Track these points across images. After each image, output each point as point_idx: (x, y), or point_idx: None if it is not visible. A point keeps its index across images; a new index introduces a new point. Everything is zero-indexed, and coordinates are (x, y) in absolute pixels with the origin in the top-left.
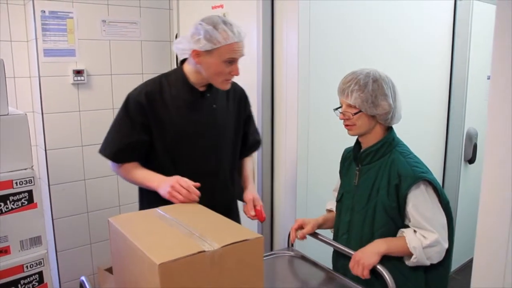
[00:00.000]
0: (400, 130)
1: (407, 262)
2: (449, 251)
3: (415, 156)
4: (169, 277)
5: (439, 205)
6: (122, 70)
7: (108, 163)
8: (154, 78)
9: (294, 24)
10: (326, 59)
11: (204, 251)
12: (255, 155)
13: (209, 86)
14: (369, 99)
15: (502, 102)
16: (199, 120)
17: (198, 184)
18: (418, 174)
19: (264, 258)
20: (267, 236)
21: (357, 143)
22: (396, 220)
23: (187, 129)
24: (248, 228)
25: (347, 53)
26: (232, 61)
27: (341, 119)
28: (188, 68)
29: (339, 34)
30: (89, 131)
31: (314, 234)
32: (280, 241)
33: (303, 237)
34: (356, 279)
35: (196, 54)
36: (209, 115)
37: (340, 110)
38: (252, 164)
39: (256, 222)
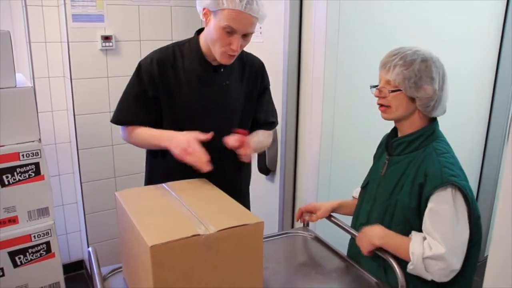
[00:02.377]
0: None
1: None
2: (469, 274)
3: (452, 156)
4: (160, 259)
5: (466, 218)
6: (151, 36)
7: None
8: (166, 46)
9: None
10: (357, 28)
11: (199, 235)
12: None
13: None
14: (412, 78)
15: None
16: (211, 96)
17: (209, 136)
18: (446, 177)
19: (277, 238)
20: (288, 215)
21: (395, 129)
22: (413, 223)
23: (197, 105)
24: (267, 210)
25: (380, 26)
26: (232, 32)
27: (376, 96)
28: (203, 38)
29: (373, 5)
30: (117, 97)
31: (328, 217)
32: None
33: (311, 221)
34: (368, 269)
35: (205, 12)
36: (221, 92)
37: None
38: (264, 136)
39: (276, 203)
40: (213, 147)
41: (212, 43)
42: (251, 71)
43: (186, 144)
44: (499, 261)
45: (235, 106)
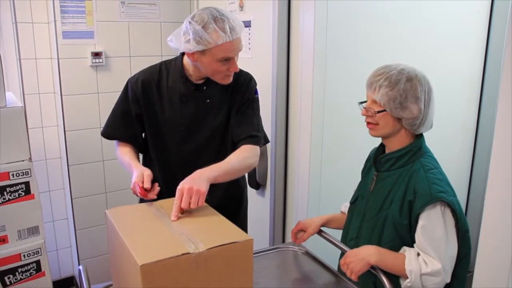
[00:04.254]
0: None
1: (402, 284)
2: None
3: (439, 172)
4: (151, 278)
5: (454, 233)
6: (141, 52)
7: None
8: (155, 65)
9: (311, 7)
10: (346, 41)
11: (188, 253)
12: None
13: (208, 79)
14: (397, 98)
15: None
16: (191, 114)
17: (155, 188)
18: (435, 193)
19: (267, 253)
20: (278, 229)
21: (382, 145)
22: (405, 238)
23: (178, 122)
24: (258, 224)
25: (367, 42)
26: (228, 59)
27: (363, 115)
28: (187, 60)
29: (360, 21)
30: (107, 112)
31: (319, 232)
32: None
33: (303, 241)
34: (358, 284)
35: (191, 53)
36: (203, 109)
37: (364, 105)
38: (239, 160)
39: (267, 217)
40: (197, 163)
41: (211, 74)
42: (236, 84)
43: (136, 178)
44: (485, 273)
45: (217, 123)
